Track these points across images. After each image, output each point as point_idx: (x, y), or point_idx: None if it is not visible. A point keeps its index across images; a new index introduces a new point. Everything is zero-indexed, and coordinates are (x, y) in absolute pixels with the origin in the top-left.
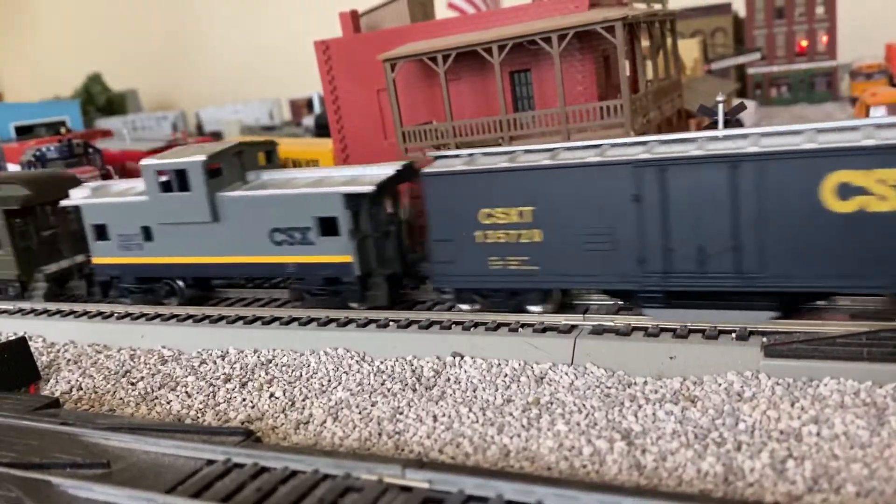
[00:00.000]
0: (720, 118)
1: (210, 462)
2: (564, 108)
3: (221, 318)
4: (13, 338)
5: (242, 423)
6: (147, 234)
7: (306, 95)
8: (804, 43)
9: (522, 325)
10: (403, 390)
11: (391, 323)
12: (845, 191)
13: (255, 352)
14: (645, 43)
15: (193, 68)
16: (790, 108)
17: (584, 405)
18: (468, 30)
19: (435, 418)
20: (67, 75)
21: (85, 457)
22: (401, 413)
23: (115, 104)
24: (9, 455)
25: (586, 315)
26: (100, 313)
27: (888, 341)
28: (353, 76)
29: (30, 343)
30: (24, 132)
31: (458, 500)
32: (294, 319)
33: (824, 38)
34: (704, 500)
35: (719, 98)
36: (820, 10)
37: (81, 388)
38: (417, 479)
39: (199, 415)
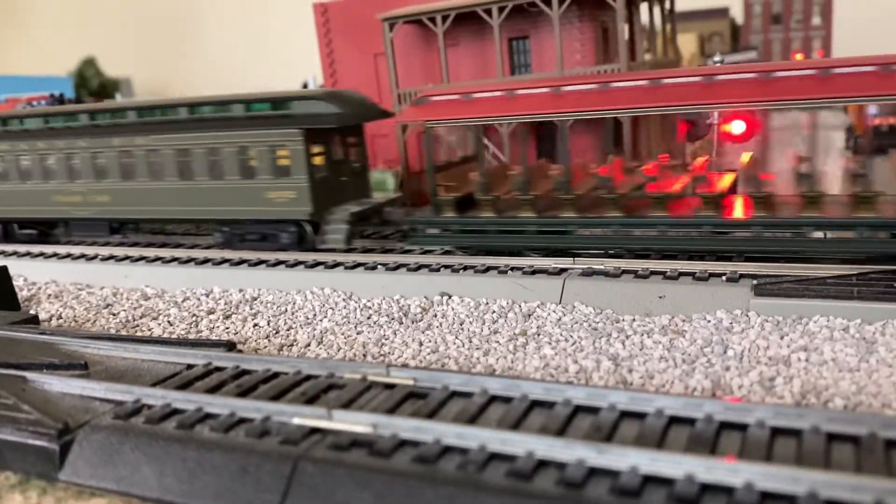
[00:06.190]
0: None
1: (190, 366)
2: (563, 72)
3: (206, 260)
4: None
5: None
6: None
7: (301, 84)
8: (799, 57)
9: (512, 268)
10: (390, 322)
11: (379, 266)
12: None
13: (241, 291)
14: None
15: (188, 57)
16: None
17: (571, 336)
18: None
19: (420, 343)
20: (61, 58)
21: (63, 360)
22: (386, 339)
23: (109, 89)
24: None
25: (577, 259)
26: (83, 255)
27: (878, 282)
28: (351, 40)
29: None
30: None
31: (442, 395)
32: (281, 262)
33: (819, 49)
34: (686, 397)
35: (717, 58)
36: (817, 19)
37: (62, 318)
38: (402, 377)
39: None
